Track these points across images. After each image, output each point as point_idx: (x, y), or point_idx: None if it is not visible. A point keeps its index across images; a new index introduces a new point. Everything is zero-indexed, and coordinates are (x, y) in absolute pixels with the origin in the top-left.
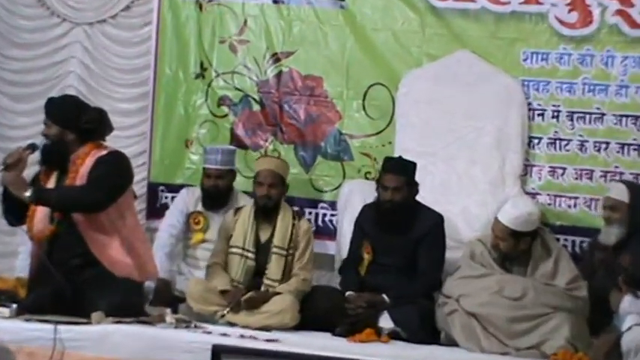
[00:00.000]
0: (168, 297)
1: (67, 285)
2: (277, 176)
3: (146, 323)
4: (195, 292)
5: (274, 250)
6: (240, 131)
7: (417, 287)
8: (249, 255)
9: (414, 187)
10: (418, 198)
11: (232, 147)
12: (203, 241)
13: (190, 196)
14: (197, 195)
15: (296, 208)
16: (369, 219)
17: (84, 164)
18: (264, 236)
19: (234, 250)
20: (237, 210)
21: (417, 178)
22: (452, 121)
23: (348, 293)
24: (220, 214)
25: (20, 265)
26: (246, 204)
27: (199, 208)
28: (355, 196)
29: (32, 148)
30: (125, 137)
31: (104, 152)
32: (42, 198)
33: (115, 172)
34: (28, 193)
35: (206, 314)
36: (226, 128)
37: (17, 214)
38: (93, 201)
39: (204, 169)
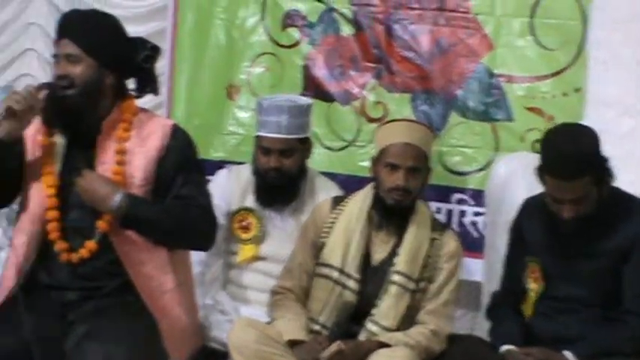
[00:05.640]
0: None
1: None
2: (421, 156)
3: None
4: (243, 344)
5: (394, 278)
6: (319, 70)
7: (624, 336)
8: (350, 283)
9: (606, 181)
10: (622, 182)
11: (305, 100)
12: (256, 258)
13: (235, 183)
14: (246, 180)
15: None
16: (538, 223)
17: (144, 141)
18: (378, 254)
19: (324, 270)
20: (338, 201)
21: (620, 149)
22: None
23: (504, 349)
24: (286, 215)
25: None
26: (329, 195)
27: (250, 203)
28: (516, 181)
29: (49, 87)
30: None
31: (169, 123)
32: (136, 210)
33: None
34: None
35: None
36: (296, 66)
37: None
38: (212, 233)
39: (257, 138)
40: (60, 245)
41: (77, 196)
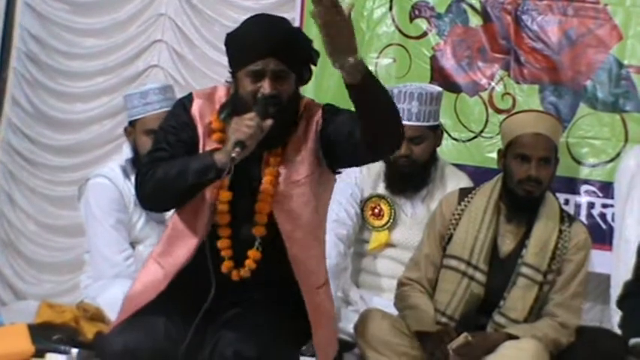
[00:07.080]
0: None
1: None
2: (551, 147)
3: None
4: (372, 334)
5: (523, 270)
6: (447, 61)
7: None
8: (478, 275)
9: None
10: None
11: (435, 87)
12: (388, 245)
13: (366, 171)
14: (378, 168)
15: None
16: None
17: (302, 140)
18: (506, 246)
19: (451, 262)
20: (465, 193)
21: None
22: None
23: (633, 341)
24: (416, 202)
25: (87, 284)
26: (459, 184)
27: (381, 190)
28: None
29: (266, 112)
30: None
31: (320, 106)
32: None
33: None
34: None
35: None
36: (424, 57)
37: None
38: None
39: None
40: (228, 264)
41: (244, 210)
